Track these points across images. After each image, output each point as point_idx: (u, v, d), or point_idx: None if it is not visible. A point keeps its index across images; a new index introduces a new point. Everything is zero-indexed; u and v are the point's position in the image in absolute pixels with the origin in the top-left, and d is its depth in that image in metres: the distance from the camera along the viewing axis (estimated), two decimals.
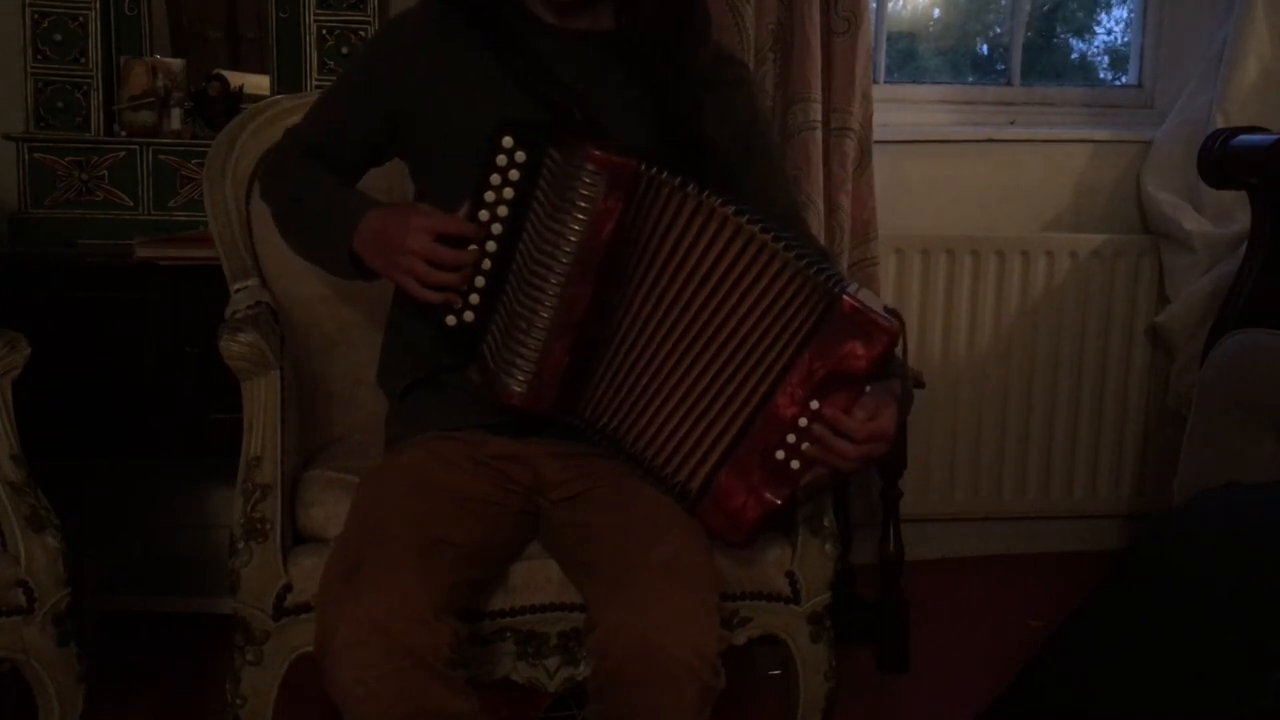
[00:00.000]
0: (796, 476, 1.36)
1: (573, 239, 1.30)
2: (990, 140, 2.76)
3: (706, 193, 1.32)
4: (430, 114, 1.47)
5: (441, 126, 1.46)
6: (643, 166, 1.31)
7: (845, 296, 1.29)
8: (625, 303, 1.36)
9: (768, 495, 1.37)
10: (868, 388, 1.32)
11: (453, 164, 1.42)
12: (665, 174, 1.32)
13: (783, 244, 1.31)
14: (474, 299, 1.37)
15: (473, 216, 1.35)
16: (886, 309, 1.32)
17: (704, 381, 1.36)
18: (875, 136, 2.48)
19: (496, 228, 1.34)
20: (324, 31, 2.34)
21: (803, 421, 1.33)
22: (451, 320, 1.38)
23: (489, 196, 1.34)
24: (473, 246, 1.35)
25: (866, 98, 2.44)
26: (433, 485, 1.40)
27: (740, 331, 1.34)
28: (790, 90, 2.38)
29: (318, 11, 2.33)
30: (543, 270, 1.32)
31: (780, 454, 1.35)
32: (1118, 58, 3.08)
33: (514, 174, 1.32)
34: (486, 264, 1.36)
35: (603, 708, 1.29)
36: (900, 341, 1.32)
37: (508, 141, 1.32)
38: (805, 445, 1.34)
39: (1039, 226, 2.80)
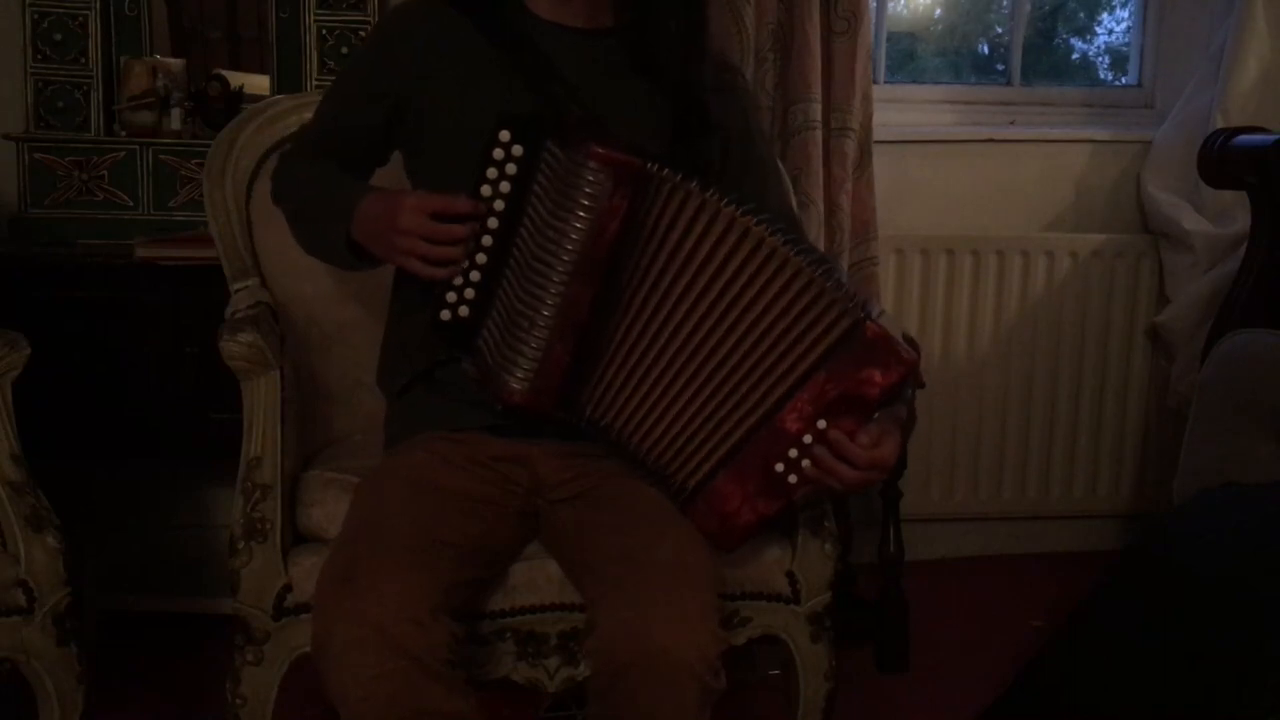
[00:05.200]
0: (792, 491, 1.36)
1: (575, 237, 1.30)
2: (990, 140, 2.76)
3: (710, 190, 1.31)
4: (431, 108, 1.47)
5: (442, 120, 1.46)
6: (648, 165, 1.30)
7: (869, 322, 1.29)
8: (628, 301, 1.35)
9: (761, 505, 1.37)
10: (876, 414, 1.32)
11: (452, 159, 1.42)
12: (668, 171, 1.31)
13: (793, 249, 1.31)
14: (469, 294, 1.37)
15: None
16: (906, 337, 1.32)
17: (709, 382, 1.36)
18: (875, 136, 2.47)
19: (492, 222, 1.34)
20: (324, 31, 2.34)
21: (807, 439, 1.33)
22: (446, 315, 1.38)
23: (485, 190, 1.33)
24: (471, 223, 1.34)
25: (866, 98, 2.44)
26: (432, 486, 1.40)
27: (751, 336, 1.33)
28: (790, 90, 2.38)
29: (318, 11, 2.33)
30: (544, 268, 1.32)
31: (779, 467, 1.35)
32: (1118, 58, 3.08)
33: (510, 168, 1.32)
34: (481, 258, 1.35)
35: (603, 708, 1.29)
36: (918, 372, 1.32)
37: (505, 136, 1.31)
38: (805, 462, 1.34)
39: (1039, 226, 2.80)
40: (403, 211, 1.34)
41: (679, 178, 1.31)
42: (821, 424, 1.32)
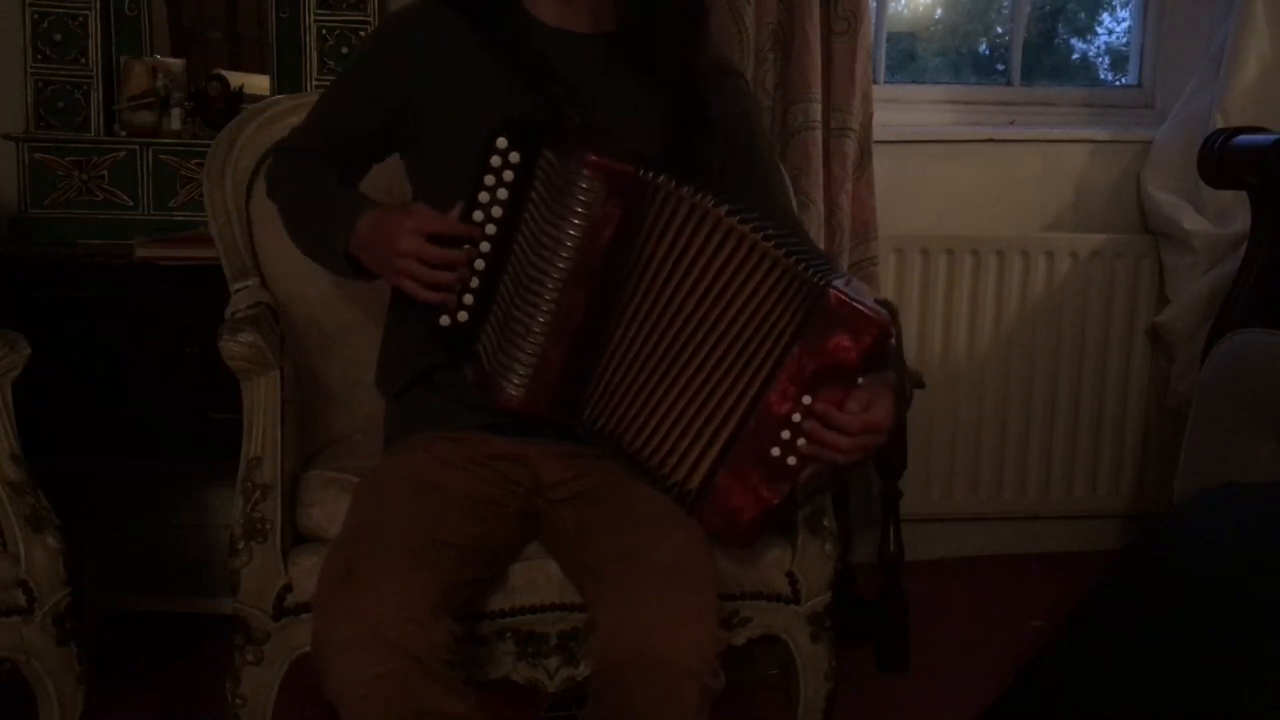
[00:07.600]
0: (794, 473, 1.36)
1: (570, 244, 1.30)
2: (990, 140, 2.76)
3: (700, 194, 1.32)
4: (429, 110, 1.47)
5: (442, 120, 1.46)
6: (641, 171, 1.30)
7: (831, 289, 1.29)
8: (622, 306, 1.36)
9: (765, 494, 1.36)
10: (860, 380, 1.32)
11: (451, 159, 1.42)
12: (661, 177, 1.31)
13: (772, 241, 1.31)
14: (468, 299, 1.37)
15: (466, 216, 1.35)
16: (878, 300, 1.32)
17: (697, 381, 1.36)
18: (875, 136, 2.47)
19: (490, 228, 1.34)
20: (324, 31, 2.34)
21: (796, 417, 1.33)
22: (445, 320, 1.38)
23: (483, 197, 1.33)
24: (466, 246, 1.35)
25: (866, 98, 2.44)
26: (431, 486, 1.40)
27: (733, 330, 1.34)
28: (790, 90, 2.38)
29: (318, 11, 2.33)
30: (539, 274, 1.32)
31: (776, 451, 1.35)
32: (1118, 58, 3.08)
33: (508, 175, 1.32)
34: (480, 264, 1.36)
35: (600, 708, 1.29)
36: (894, 332, 1.31)
37: (502, 142, 1.31)
38: (800, 441, 1.34)
39: (1039, 226, 2.80)
40: (401, 233, 1.34)
41: (673, 184, 1.31)
42: (807, 399, 1.32)
